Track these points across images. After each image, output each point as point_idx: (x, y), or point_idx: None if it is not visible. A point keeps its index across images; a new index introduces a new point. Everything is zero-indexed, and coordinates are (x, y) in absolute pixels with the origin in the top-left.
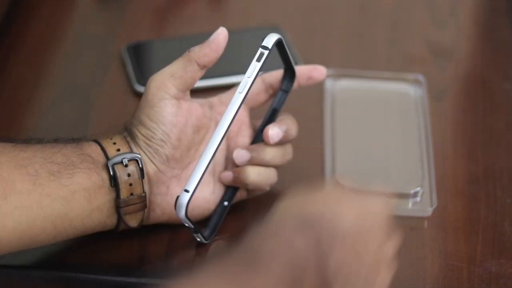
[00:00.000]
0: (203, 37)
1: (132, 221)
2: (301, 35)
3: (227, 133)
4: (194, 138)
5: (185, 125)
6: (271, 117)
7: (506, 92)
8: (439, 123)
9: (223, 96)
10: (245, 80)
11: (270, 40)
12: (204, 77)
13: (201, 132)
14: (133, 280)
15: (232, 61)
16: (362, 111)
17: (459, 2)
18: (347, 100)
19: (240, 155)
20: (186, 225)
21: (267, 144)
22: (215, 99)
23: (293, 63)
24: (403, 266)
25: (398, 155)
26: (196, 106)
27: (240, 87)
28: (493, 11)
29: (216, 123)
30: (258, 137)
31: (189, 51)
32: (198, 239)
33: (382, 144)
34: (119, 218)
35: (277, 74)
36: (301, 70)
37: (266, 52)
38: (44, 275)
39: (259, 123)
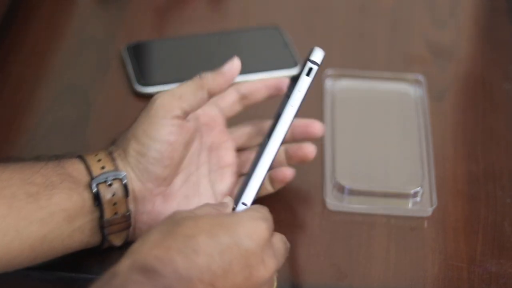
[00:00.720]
0: (203, 37)
1: (117, 240)
2: (301, 35)
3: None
4: (184, 153)
5: (180, 143)
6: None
7: (506, 92)
8: (439, 123)
9: (206, 107)
10: (296, 95)
11: (319, 55)
12: None
13: (190, 146)
14: None
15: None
16: (362, 111)
17: (459, 2)
18: (347, 100)
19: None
20: None
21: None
22: (199, 110)
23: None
24: (403, 266)
25: (398, 155)
26: (190, 122)
27: (291, 101)
28: (493, 11)
29: (202, 135)
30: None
31: (201, 77)
32: None
33: (382, 144)
34: (103, 238)
35: (252, 85)
36: (296, 123)
37: (315, 68)
38: (44, 275)
39: (239, 132)
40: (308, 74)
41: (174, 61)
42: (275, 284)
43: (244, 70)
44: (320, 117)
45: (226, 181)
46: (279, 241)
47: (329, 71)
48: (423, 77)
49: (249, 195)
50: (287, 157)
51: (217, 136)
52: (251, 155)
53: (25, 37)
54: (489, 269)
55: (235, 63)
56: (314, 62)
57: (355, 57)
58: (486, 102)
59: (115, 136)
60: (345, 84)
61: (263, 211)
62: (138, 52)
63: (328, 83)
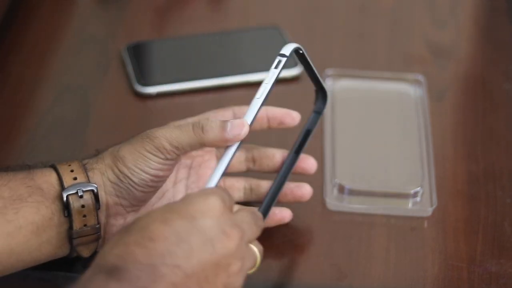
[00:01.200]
0: (203, 37)
1: (85, 251)
2: (301, 35)
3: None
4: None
5: (167, 176)
6: (304, 139)
7: (506, 92)
8: (439, 123)
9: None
10: (263, 87)
11: (289, 48)
12: (205, 77)
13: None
14: None
15: (233, 61)
16: (362, 111)
17: (459, 2)
18: (347, 100)
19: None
20: None
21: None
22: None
23: (323, 83)
24: (403, 266)
25: (398, 155)
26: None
27: (258, 93)
28: (493, 11)
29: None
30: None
31: (202, 130)
32: None
33: (382, 144)
34: (72, 249)
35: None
36: (273, 112)
37: (283, 60)
38: (44, 275)
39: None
40: (276, 67)
41: (174, 61)
42: (258, 260)
43: (244, 70)
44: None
45: None
46: (242, 211)
47: (329, 71)
48: (423, 77)
49: (214, 180)
50: (281, 194)
51: (200, 154)
52: (237, 183)
53: (25, 37)
54: (489, 269)
55: (243, 128)
56: (282, 55)
57: (355, 57)
58: (486, 102)
59: (100, 148)
60: (345, 84)
61: (214, 188)
62: (138, 52)
63: (328, 83)
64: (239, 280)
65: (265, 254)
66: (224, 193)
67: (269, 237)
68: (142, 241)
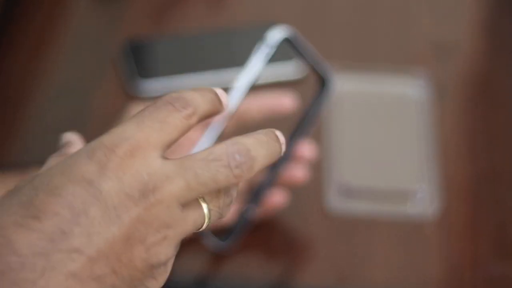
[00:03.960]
0: (203, 36)
1: None
2: (301, 32)
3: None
4: None
5: None
6: (303, 125)
7: (509, 91)
8: (441, 123)
9: None
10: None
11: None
12: (205, 77)
13: None
14: None
15: (233, 60)
16: (363, 111)
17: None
18: (348, 99)
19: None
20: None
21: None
22: None
23: (317, 68)
24: (405, 267)
25: (399, 155)
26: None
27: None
28: (497, 8)
29: None
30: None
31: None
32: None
33: (384, 144)
34: None
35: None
36: (262, 101)
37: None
38: None
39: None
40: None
41: (174, 61)
42: (206, 218)
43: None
44: (320, 116)
45: None
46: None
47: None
48: (425, 76)
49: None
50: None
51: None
52: None
53: (23, 36)
54: (492, 270)
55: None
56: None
57: (356, 55)
58: (489, 101)
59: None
60: (345, 82)
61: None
62: (137, 51)
63: None
64: (165, 250)
65: (265, 255)
66: (144, 131)
67: (269, 238)
68: (24, 222)
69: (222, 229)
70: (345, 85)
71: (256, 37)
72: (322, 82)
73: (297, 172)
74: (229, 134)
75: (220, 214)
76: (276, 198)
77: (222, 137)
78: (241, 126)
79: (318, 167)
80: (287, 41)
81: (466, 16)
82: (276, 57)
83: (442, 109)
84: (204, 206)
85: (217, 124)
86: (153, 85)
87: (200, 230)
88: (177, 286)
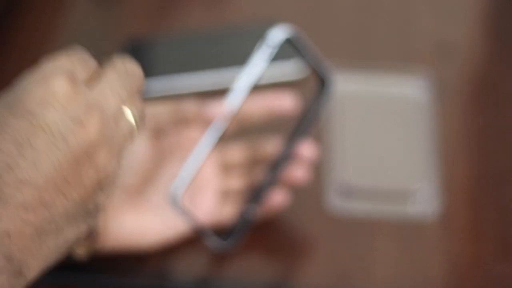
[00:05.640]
0: (203, 35)
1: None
2: (302, 33)
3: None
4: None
5: (151, 161)
6: (302, 125)
7: (511, 90)
8: (443, 122)
9: None
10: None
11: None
12: (204, 76)
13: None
14: (131, 280)
15: (233, 59)
16: (364, 111)
17: None
18: (349, 99)
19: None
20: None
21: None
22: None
23: (318, 69)
24: (406, 267)
25: (401, 155)
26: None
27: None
28: (500, 8)
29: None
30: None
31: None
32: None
33: (385, 144)
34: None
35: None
36: (262, 101)
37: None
38: (43, 275)
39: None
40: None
41: (174, 60)
42: (132, 119)
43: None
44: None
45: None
46: (105, 75)
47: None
48: (426, 75)
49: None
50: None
51: (196, 184)
52: None
53: (22, 37)
54: (493, 270)
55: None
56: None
57: (357, 55)
58: (491, 101)
59: None
60: (346, 81)
61: (55, 62)
62: (137, 51)
63: None
64: (113, 165)
65: (266, 255)
66: (72, 62)
67: (269, 238)
68: None
69: (223, 229)
70: (345, 84)
71: (256, 36)
72: (322, 82)
73: (298, 173)
74: (230, 134)
75: (141, 112)
76: (277, 198)
77: (223, 138)
78: (242, 127)
79: (318, 167)
80: (288, 41)
81: (468, 15)
82: (276, 57)
83: (443, 109)
84: (126, 110)
85: (218, 124)
86: (153, 85)
87: (135, 134)
88: (177, 286)
